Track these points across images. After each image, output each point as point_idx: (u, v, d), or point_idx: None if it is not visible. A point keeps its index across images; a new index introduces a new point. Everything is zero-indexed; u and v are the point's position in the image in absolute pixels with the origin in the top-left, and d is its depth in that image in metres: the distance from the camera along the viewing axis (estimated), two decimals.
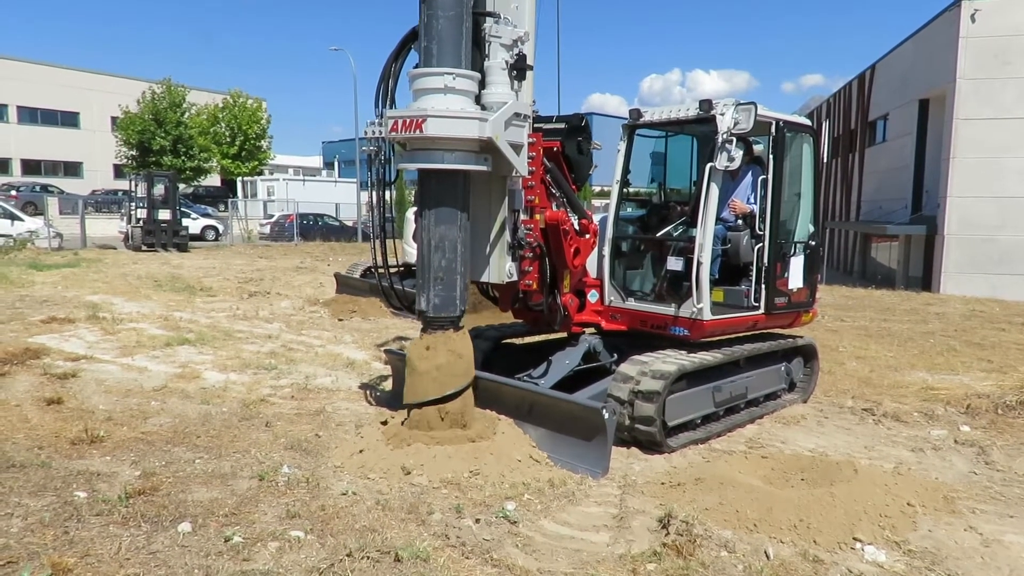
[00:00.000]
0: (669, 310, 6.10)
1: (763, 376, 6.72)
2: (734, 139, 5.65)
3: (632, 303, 6.36)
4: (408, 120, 4.68)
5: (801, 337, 7.50)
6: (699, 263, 5.80)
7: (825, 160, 37.16)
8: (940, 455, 5.76)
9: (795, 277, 6.64)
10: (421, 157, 4.82)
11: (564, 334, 6.66)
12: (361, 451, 5.05)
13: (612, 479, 4.93)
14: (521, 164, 5.07)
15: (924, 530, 4.25)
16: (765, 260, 6.27)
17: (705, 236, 5.83)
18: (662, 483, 4.84)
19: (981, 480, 5.17)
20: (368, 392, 6.93)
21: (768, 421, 6.57)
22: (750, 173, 6.66)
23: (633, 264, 6.73)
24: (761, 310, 6.35)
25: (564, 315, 6.07)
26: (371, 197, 5.56)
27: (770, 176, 6.22)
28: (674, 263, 6.16)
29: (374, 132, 5.27)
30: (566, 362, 6.24)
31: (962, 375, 8.62)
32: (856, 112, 30.57)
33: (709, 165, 5.77)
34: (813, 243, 6.84)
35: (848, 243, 30.28)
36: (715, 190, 5.87)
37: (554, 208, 5.65)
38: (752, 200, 6.53)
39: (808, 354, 7.39)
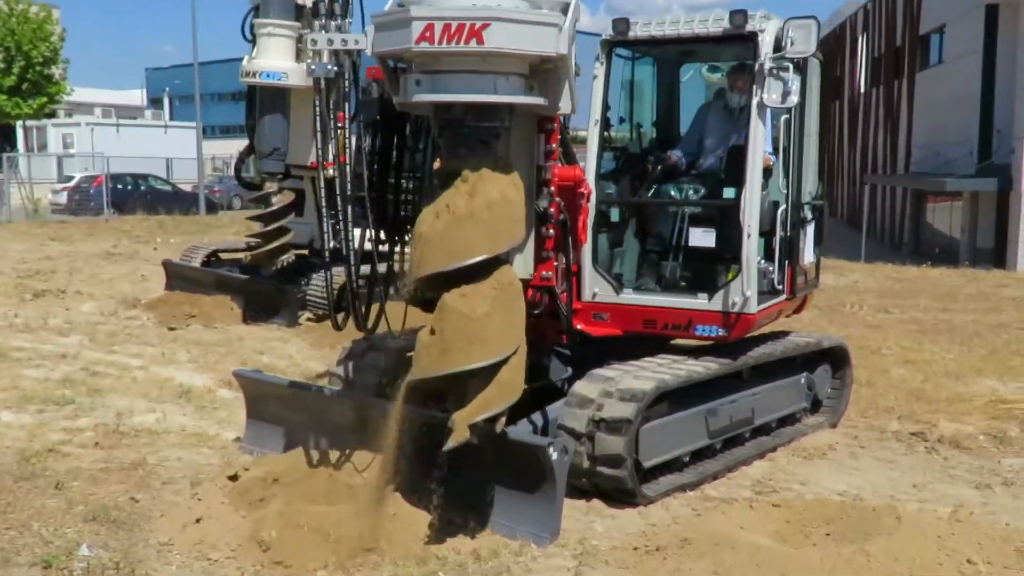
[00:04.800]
0: (696, 303, 6.24)
1: (776, 392, 6.91)
2: (790, 65, 5.86)
3: (630, 296, 6.45)
4: (460, 25, 4.35)
5: (828, 336, 7.72)
6: (748, 235, 6.07)
7: (862, 90, 38.47)
8: (1013, 492, 6.01)
9: (808, 248, 6.95)
10: (456, 84, 4.54)
11: None
12: (199, 520, 4.97)
13: (564, 545, 4.95)
14: (572, 97, 5.00)
15: None
16: (788, 228, 6.49)
17: (752, 199, 6.08)
18: (635, 548, 4.89)
19: None
20: (211, 434, 6.84)
21: (783, 455, 6.74)
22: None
23: (624, 240, 6.82)
24: (784, 295, 6.55)
25: (569, 318, 6.09)
26: (326, 149, 5.38)
27: (793, 114, 6.41)
28: (701, 237, 6.32)
29: (337, 44, 5.01)
30: None
31: None
32: (903, 23, 31.55)
33: (756, 101, 6.02)
34: (821, 203, 7.18)
35: (895, 204, 31.32)
36: (762, 135, 6.16)
37: (560, 163, 5.64)
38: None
39: (838, 359, 7.61)
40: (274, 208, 11.02)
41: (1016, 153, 22.00)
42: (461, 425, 4.55)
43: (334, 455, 5.49)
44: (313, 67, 5.18)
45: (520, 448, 5.05)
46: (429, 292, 4.71)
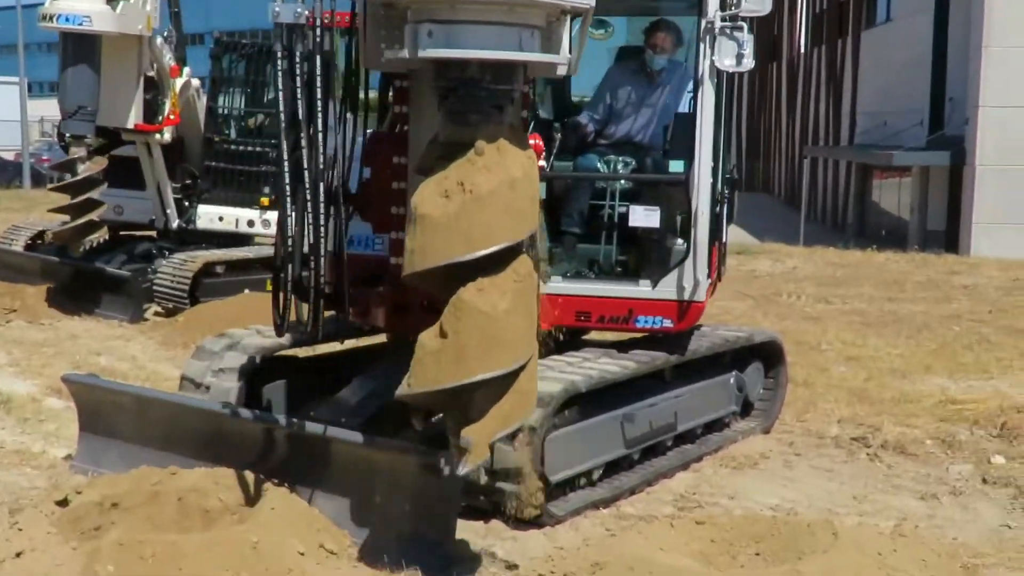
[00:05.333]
0: (639, 291, 6.36)
1: (702, 394, 7.07)
2: (744, 25, 6.06)
3: (559, 285, 6.49)
4: None
5: (760, 330, 7.91)
6: (698, 214, 6.26)
7: (802, 50, 39.38)
8: (961, 503, 6.28)
9: (724, 227, 7.24)
10: (479, 38, 4.38)
11: (383, 338, 6.71)
12: (19, 554, 4.79)
13: (459, 574, 4.96)
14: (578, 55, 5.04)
15: None
16: (714, 204, 6.71)
17: (703, 173, 6.31)
18: (539, 575, 4.92)
19: (1017, 536, 5.70)
20: (36, 451, 6.71)
21: (710, 465, 6.89)
22: (677, 75, 7.15)
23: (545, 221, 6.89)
24: (711, 278, 6.77)
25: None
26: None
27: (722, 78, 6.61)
28: (644, 216, 6.42)
29: None
30: (386, 384, 6.25)
31: (998, 379, 9.43)
32: None
33: (707, 64, 6.25)
34: (735, 177, 7.56)
35: (838, 180, 32.25)
36: (713, 102, 6.40)
37: None
38: None
39: (771, 356, 7.82)
40: (80, 177, 10.66)
41: (970, 124, 22.83)
42: (481, 444, 4.42)
43: (185, 474, 5.39)
44: (277, 9, 5.04)
45: (409, 463, 5.06)
46: (432, 287, 4.57)
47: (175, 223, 11.89)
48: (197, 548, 4.76)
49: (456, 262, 4.30)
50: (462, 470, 4.50)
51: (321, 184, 5.02)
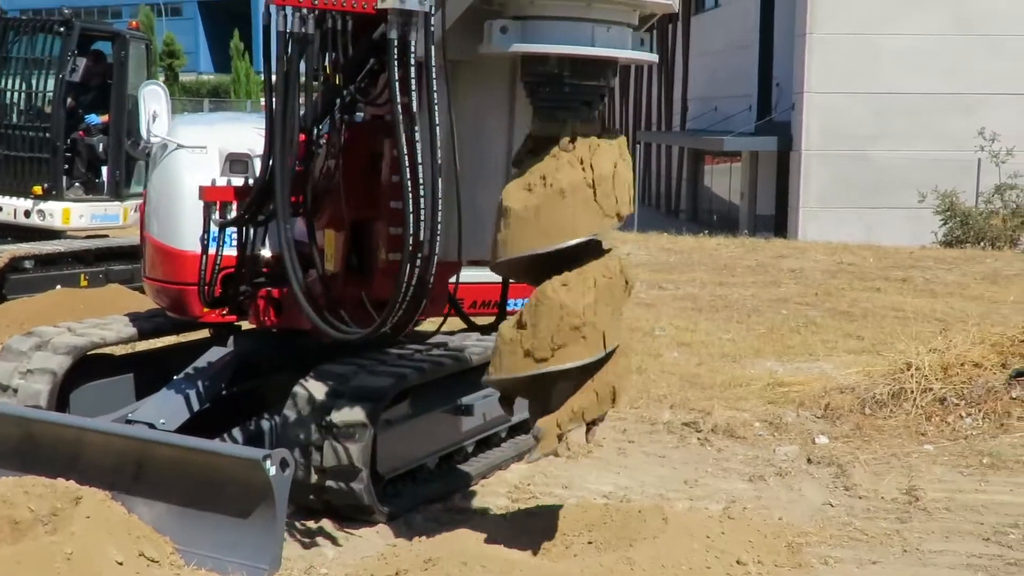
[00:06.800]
0: None
1: None
2: None
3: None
4: None
5: None
6: None
7: None
8: (787, 483, 6.61)
9: None
10: (558, 34, 4.52)
11: (207, 334, 6.66)
12: None
13: None
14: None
15: None
16: None
17: None
18: (371, 574, 4.97)
19: (839, 514, 6.04)
20: None
21: None
22: None
23: None
24: None
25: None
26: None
27: None
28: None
29: None
30: (204, 383, 6.18)
31: (823, 361, 9.94)
32: None
33: None
34: None
35: (671, 166, 33.18)
36: None
37: None
38: None
39: None
40: None
41: (796, 109, 23.87)
42: (550, 434, 4.63)
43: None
44: None
45: (232, 463, 5.03)
46: (522, 278, 4.87)
47: None
48: (5, 562, 4.63)
49: (536, 254, 4.55)
50: (530, 458, 4.91)
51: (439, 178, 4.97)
